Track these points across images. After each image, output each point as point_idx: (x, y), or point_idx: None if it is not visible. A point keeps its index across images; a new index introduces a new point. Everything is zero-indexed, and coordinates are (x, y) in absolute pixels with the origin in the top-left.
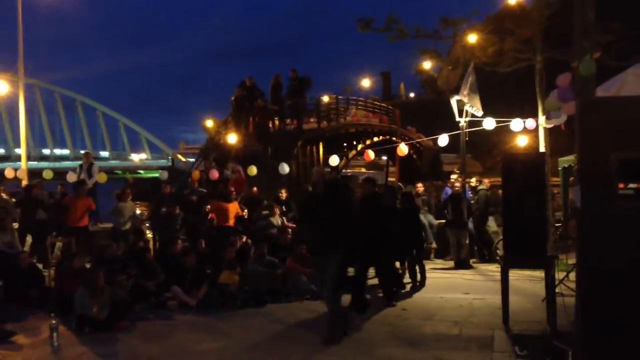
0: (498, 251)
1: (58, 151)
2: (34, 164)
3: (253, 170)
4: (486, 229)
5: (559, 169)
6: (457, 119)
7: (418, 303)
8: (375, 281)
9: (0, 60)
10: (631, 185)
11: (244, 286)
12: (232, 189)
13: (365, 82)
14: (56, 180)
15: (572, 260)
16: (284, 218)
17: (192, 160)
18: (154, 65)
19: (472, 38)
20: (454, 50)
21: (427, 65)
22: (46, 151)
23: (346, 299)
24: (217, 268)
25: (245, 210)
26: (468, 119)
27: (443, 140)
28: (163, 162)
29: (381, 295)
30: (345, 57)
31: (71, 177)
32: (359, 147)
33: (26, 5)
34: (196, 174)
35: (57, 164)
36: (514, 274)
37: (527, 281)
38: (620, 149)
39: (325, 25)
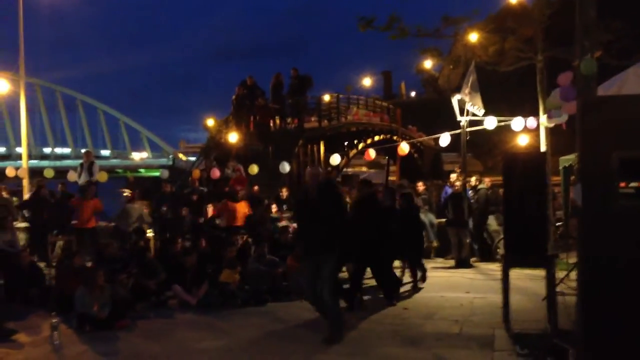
0: (499, 250)
1: (59, 150)
2: (34, 162)
3: (254, 169)
4: (486, 228)
5: (560, 168)
6: (458, 118)
7: (419, 302)
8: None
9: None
10: (632, 184)
11: (245, 285)
12: (239, 187)
13: (366, 81)
14: (57, 179)
15: (573, 259)
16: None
17: (193, 159)
18: (154, 65)
19: (473, 37)
20: (455, 49)
21: (428, 64)
22: (47, 150)
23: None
24: (218, 267)
25: None
26: (469, 118)
27: (444, 140)
28: (164, 161)
29: (382, 295)
30: (346, 57)
31: (72, 176)
32: (360, 146)
33: (27, 4)
34: (196, 173)
35: (58, 163)
36: (515, 273)
37: (528, 280)
38: (621, 147)
39: (326, 24)
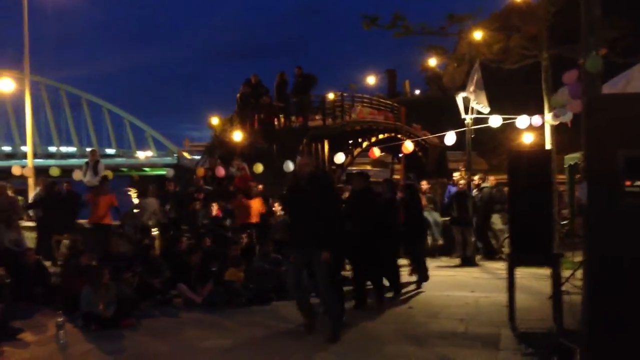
0: (504, 249)
1: (64, 148)
2: (40, 161)
3: (259, 167)
4: (491, 227)
5: (565, 166)
6: (463, 116)
7: (424, 301)
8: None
9: (6, 58)
10: (638, 183)
11: (249, 283)
12: (255, 183)
13: (371, 80)
14: (62, 177)
15: (578, 258)
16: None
17: (198, 157)
18: (158, 63)
19: (478, 35)
20: (460, 47)
21: (432, 62)
22: (52, 148)
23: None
24: (223, 265)
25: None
26: (474, 116)
27: (450, 138)
28: (168, 159)
29: (390, 296)
30: (349, 55)
31: (77, 175)
32: (365, 144)
33: (32, 3)
34: (201, 171)
35: (63, 162)
36: (520, 272)
37: (533, 279)
38: (626, 146)
39: (329, 23)
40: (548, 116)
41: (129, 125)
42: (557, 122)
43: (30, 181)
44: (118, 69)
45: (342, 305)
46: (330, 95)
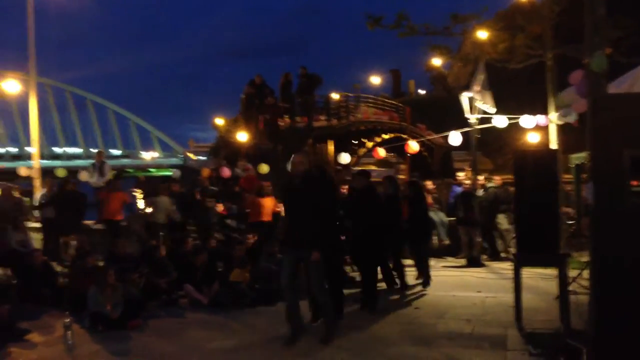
0: (510, 249)
1: (70, 150)
2: (46, 162)
3: (264, 168)
4: (497, 227)
5: (571, 166)
6: (468, 116)
7: (430, 301)
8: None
9: (11, 60)
10: None
11: (255, 284)
12: (267, 183)
13: (375, 80)
14: (68, 178)
15: (585, 258)
16: None
17: (203, 158)
18: (162, 64)
19: (483, 34)
20: (464, 46)
21: (437, 62)
22: (58, 150)
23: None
24: (228, 266)
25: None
26: (479, 116)
27: (455, 139)
28: (174, 160)
29: (396, 297)
30: (353, 55)
31: (83, 176)
32: (369, 144)
33: (36, 5)
34: (206, 172)
35: (69, 163)
36: (527, 272)
37: (539, 279)
38: (632, 145)
39: (334, 23)
40: (553, 115)
41: (134, 126)
42: (562, 122)
43: (37, 182)
44: (123, 70)
45: (340, 306)
46: (335, 96)
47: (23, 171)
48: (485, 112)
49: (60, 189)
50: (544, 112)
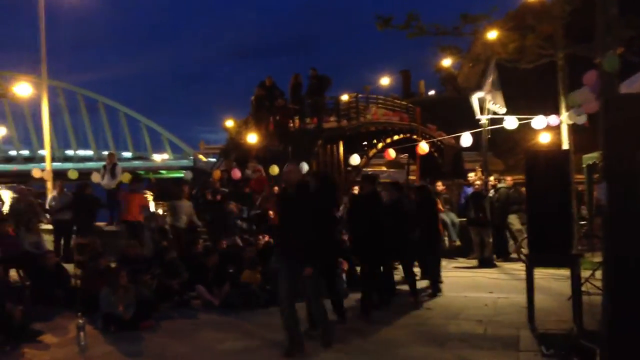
0: (523, 249)
1: (81, 152)
2: (58, 164)
3: (275, 170)
4: (509, 227)
5: (583, 166)
6: (478, 116)
7: (442, 302)
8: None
9: (24, 63)
10: None
11: (266, 285)
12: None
13: (385, 81)
14: (81, 180)
15: (597, 259)
16: None
17: (213, 160)
18: (174, 66)
19: (493, 35)
20: (474, 47)
21: (447, 62)
22: (70, 152)
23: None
24: (239, 267)
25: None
26: (489, 116)
27: (466, 140)
28: (185, 162)
29: (409, 300)
30: (364, 56)
31: (96, 178)
32: (380, 145)
33: (48, 8)
34: (217, 174)
35: (81, 165)
36: (539, 273)
37: (552, 280)
38: None
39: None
40: (564, 116)
41: (145, 128)
42: (572, 122)
43: (49, 184)
44: (133, 72)
45: (342, 310)
46: (345, 97)
47: (37, 173)
48: (495, 113)
49: (79, 193)
50: (555, 112)
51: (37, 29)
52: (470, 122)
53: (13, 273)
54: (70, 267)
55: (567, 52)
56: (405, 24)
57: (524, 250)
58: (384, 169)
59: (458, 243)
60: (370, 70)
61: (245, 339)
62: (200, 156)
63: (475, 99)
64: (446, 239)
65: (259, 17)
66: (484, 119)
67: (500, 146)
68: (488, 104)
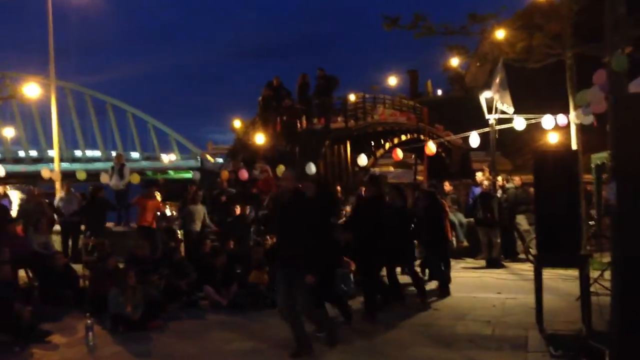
0: (531, 250)
1: (89, 152)
2: (66, 165)
3: (282, 170)
4: (517, 227)
5: (592, 166)
6: (487, 116)
7: (450, 303)
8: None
9: (32, 64)
10: None
11: (274, 286)
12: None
13: (392, 80)
14: (89, 181)
15: (606, 259)
16: None
17: (221, 160)
18: (181, 67)
19: (501, 34)
20: (482, 46)
21: (454, 62)
22: (78, 153)
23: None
24: (247, 268)
25: None
26: (497, 116)
27: (474, 140)
28: (192, 162)
29: (415, 301)
30: (371, 56)
31: (104, 178)
32: (387, 145)
33: (56, 9)
34: (225, 174)
35: (89, 165)
36: (547, 273)
37: (560, 280)
38: None
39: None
40: (573, 115)
41: (153, 129)
42: (579, 122)
43: (57, 185)
44: (141, 74)
45: (347, 310)
46: (352, 97)
47: (46, 173)
48: (503, 112)
49: (92, 197)
50: (563, 111)
51: (45, 30)
52: (477, 122)
53: (22, 273)
54: (78, 268)
55: (575, 51)
56: (412, 24)
57: (532, 251)
58: (392, 169)
59: (466, 243)
60: (378, 70)
61: (253, 339)
62: (208, 157)
63: (483, 98)
64: (454, 239)
65: (269, 18)
66: (492, 118)
67: (508, 146)
68: (496, 104)
